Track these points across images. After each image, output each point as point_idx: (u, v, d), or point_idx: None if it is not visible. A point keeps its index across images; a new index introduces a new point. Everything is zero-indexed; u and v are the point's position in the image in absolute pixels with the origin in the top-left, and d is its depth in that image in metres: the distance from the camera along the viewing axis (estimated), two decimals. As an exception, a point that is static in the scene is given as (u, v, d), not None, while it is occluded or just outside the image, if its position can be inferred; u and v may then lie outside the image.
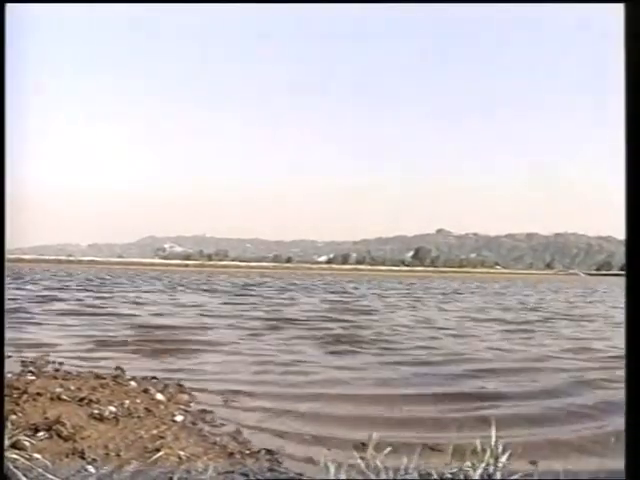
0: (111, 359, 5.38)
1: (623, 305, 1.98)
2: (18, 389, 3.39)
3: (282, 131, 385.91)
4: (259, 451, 2.75)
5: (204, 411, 3.53)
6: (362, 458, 2.05)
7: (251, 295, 17.99)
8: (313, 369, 5.33)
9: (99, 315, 9.85)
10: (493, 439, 2.12)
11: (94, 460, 2.41)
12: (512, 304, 16.75)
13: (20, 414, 2.90)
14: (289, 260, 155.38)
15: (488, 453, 2.05)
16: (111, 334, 7.29)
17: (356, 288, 26.86)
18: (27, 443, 2.39)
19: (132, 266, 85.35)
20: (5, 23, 2.01)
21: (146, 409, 3.33)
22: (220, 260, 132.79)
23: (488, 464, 2.01)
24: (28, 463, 2.18)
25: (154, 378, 4.38)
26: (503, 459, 2.04)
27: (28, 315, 9.25)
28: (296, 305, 13.93)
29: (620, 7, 1.93)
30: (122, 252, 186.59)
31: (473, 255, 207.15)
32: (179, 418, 3.24)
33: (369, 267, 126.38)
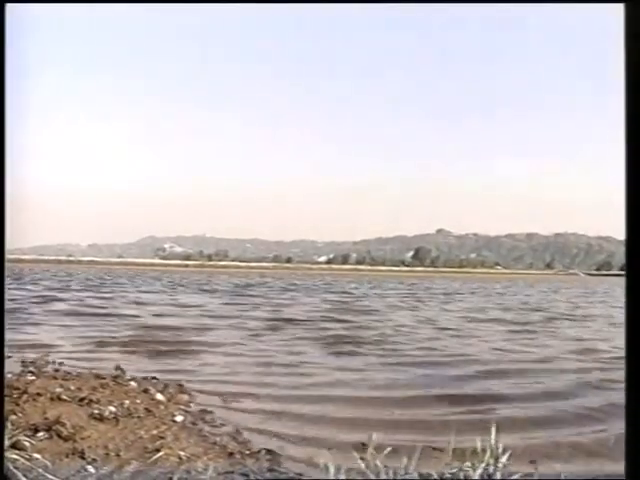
0: (112, 360, 5.36)
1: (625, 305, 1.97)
2: (18, 389, 3.39)
3: (282, 131, 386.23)
4: (259, 451, 2.75)
5: (204, 411, 3.53)
6: (362, 459, 2.05)
7: (252, 295, 17.97)
8: (315, 370, 5.30)
9: (100, 316, 9.84)
10: (493, 439, 2.12)
11: (94, 460, 2.41)
12: (514, 304, 16.73)
13: (20, 414, 2.90)
14: (289, 260, 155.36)
15: (488, 453, 2.05)
16: (112, 335, 7.27)
17: (357, 288, 26.85)
18: (27, 443, 2.39)
19: (132, 266, 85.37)
20: (5, 23, 2.01)
21: (146, 409, 3.32)
22: (220, 260, 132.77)
23: (488, 464, 2.01)
24: (28, 463, 2.18)
25: (154, 378, 4.38)
26: (503, 459, 2.04)
27: (27, 315, 9.25)
28: (297, 305, 13.91)
29: (620, 7, 1.93)
30: (122, 252, 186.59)
31: (473, 255, 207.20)
32: (179, 418, 3.24)
33: (369, 267, 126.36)
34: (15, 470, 2.05)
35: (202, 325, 8.76)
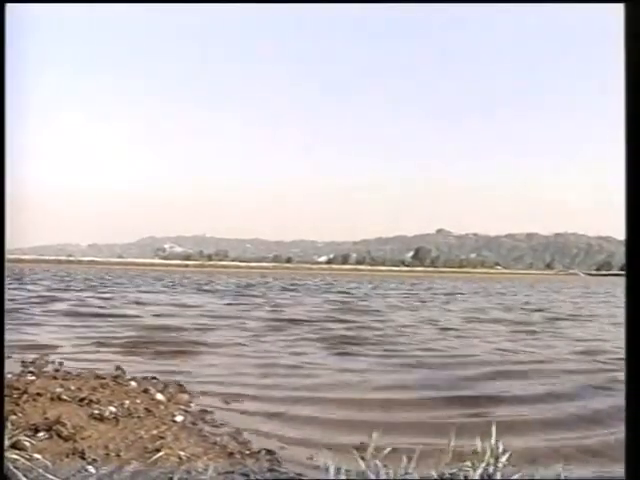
0: (113, 361, 5.34)
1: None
2: (18, 389, 3.39)
3: (282, 131, 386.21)
4: (259, 451, 2.75)
5: (204, 411, 3.53)
6: (362, 458, 2.05)
7: (253, 295, 17.95)
8: (318, 371, 5.27)
9: (101, 316, 9.83)
10: (493, 439, 2.12)
11: (94, 460, 2.41)
12: (516, 304, 16.69)
13: (20, 414, 2.90)
14: (289, 260, 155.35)
15: (488, 453, 2.05)
16: (113, 335, 7.27)
17: (358, 288, 26.83)
18: (27, 443, 2.38)
19: (132, 266, 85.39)
20: (5, 23, 2.01)
21: (146, 409, 3.32)
22: (220, 260, 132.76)
23: (488, 464, 2.01)
24: (28, 463, 2.18)
25: (154, 378, 4.37)
26: (503, 459, 2.04)
27: (27, 316, 9.25)
28: (299, 305, 13.89)
29: (620, 7, 1.93)
30: (122, 252, 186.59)
31: (473, 255, 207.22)
32: (179, 418, 3.24)
33: (369, 267, 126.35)
34: (15, 470, 2.05)
35: (203, 325, 8.74)
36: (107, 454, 2.51)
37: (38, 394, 3.33)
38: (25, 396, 3.26)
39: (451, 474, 2.02)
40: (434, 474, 2.01)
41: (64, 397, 3.35)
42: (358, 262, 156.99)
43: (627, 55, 1.90)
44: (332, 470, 1.95)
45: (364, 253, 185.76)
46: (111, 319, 9.26)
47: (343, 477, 1.94)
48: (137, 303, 13.20)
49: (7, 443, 2.18)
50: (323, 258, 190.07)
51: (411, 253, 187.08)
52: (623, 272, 2.09)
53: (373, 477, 1.94)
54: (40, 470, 2.17)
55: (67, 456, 2.43)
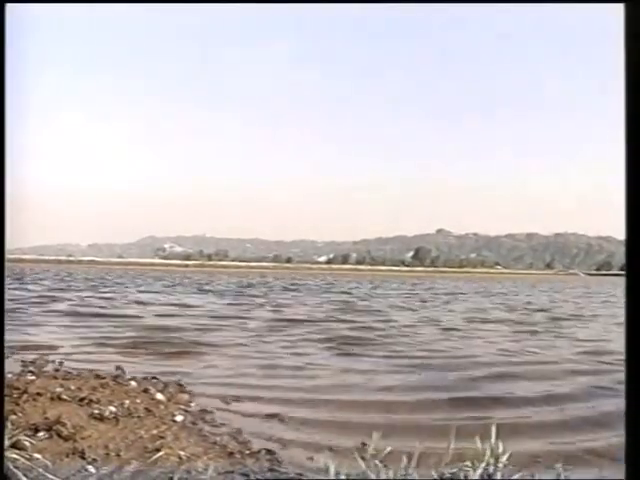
0: (114, 361, 5.31)
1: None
2: (18, 389, 3.39)
3: (282, 131, 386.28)
4: (259, 451, 2.75)
5: (204, 411, 3.53)
6: (363, 458, 2.05)
7: (254, 295, 17.95)
8: (320, 372, 5.23)
9: (101, 316, 9.83)
10: (493, 439, 2.12)
11: (94, 460, 2.42)
12: (518, 304, 16.68)
13: (20, 414, 2.90)
14: (289, 260, 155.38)
15: (488, 453, 2.05)
16: (114, 335, 7.26)
17: (358, 288, 26.82)
18: (27, 443, 2.39)
19: (132, 266, 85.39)
20: (5, 23, 2.01)
21: (146, 409, 3.32)
22: (220, 260, 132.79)
23: (488, 464, 2.01)
24: (28, 463, 2.18)
25: (154, 378, 4.37)
26: (503, 459, 2.04)
27: (28, 316, 9.26)
28: (300, 305, 13.87)
29: (620, 7, 1.93)
30: (122, 252, 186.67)
31: (473, 255, 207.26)
32: (179, 418, 3.24)
33: (369, 267, 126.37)
34: (15, 470, 2.06)
35: (204, 326, 8.73)
36: (107, 454, 2.51)
37: (38, 394, 3.33)
38: (25, 396, 3.26)
39: (451, 474, 2.02)
40: (434, 474, 2.01)
41: (64, 397, 3.35)
42: (358, 262, 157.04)
43: (627, 55, 1.90)
44: (332, 470, 1.95)
45: (364, 253, 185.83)
46: (112, 319, 9.25)
47: (343, 477, 1.94)
48: (138, 303, 13.20)
49: (7, 443, 2.18)
50: (323, 258, 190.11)
51: (411, 253, 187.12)
52: (623, 272, 2.09)
53: (373, 477, 1.94)
54: (40, 470, 2.17)
55: (67, 456, 2.43)
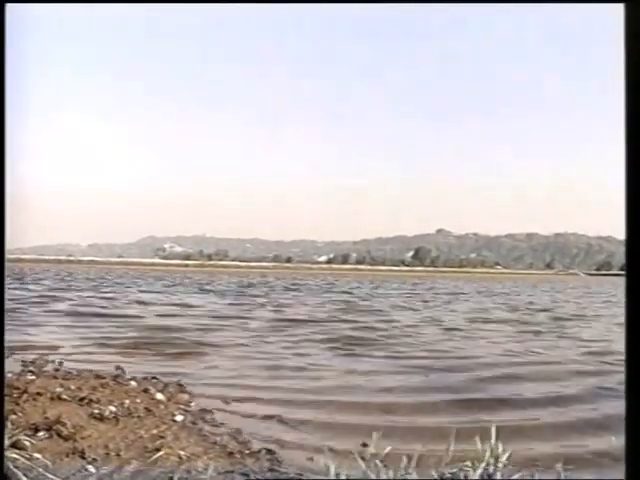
0: (115, 362, 5.29)
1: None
2: (18, 389, 3.39)
3: (282, 131, 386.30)
4: (259, 451, 2.75)
5: (204, 411, 3.53)
6: (363, 458, 2.05)
7: (255, 295, 17.93)
8: (323, 373, 5.19)
9: (102, 316, 9.82)
10: (493, 439, 2.12)
11: (94, 460, 2.41)
12: (520, 304, 16.65)
13: (20, 414, 2.90)
14: (289, 260, 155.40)
15: (488, 453, 2.05)
16: (115, 335, 7.25)
17: (359, 288, 26.81)
18: (27, 443, 2.39)
19: (132, 266, 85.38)
20: (5, 23, 2.01)
21: (146, 409, 3.32)
22: (220, 260, 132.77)
23: (488, 464, 2.01)
24: (28, 463, 2.18)
25: (154, 378, 4.37)
26: (503, 459, 2.04)
27: (28, 316, 9.25)
28: (302, 305, 13.86)
29: (620, 7, 1.93)
30: (122, 252, 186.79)
31: (473, 255, 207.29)
32: (179, 418, 3.24)
33: (369, 267, 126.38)
34: (15, 469, 2.06)
35: (206, 325, 8.71)
36: (107, 453, 2.51)
37: (38, 393, 3.33)
38: (25, 395, 3.26)
39: (451, 474, 2.02)
40: (434, 474, 2.02)
41: (64, 396, 3.35)
42: (358, 262, 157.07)
43: (627, 55, 1.89)
44: (332, 470, 1.95)
45: (364, 253, 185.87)
46: (113, 319, 9.25)
47: (343, 477, 1.94)
48: (139, 303, 13.19)
49: (7, 442, 2.18)
50: (323, 258, 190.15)
51: (411, 253, 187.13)
52: (623, 272, 2.09)
53: (374, 477, 1.94)
54: (40, 469, 2.17)
55: (67, 455, 2.43)
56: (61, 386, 3.64)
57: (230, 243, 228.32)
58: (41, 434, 2.62)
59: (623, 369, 5.28)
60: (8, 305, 9.46)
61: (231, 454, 2.66)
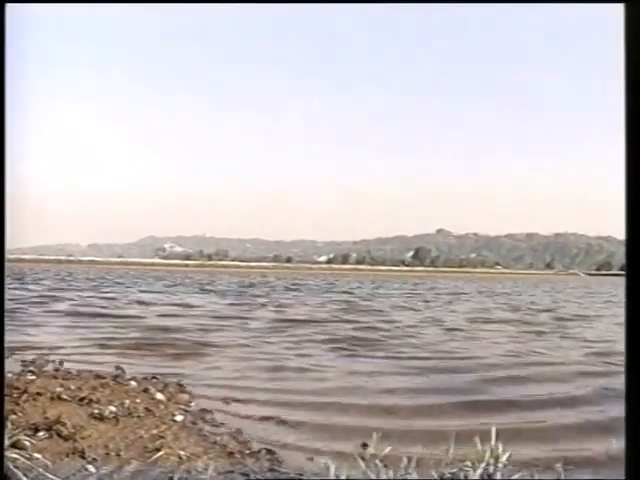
0: (115, 362, 5.27)
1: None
2: (18, 389, 3.39)
3: (282, 131, 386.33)
4: (259, 451, 2.75)
5: (204, 411, 3.53)
6: (363, 458, 2.05)
7: (256, 295, 17.91)
8: (325, 374, 5.15)
9: (103, 316, 9.81)
10: (493, 439, 2.12)
11: (94, 460, 2.41)
12: (522, 305, 16.61)
13: (20, 414, 2.90)
14: (289, 260, 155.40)
15: (488, 453, 2.05)
16: (115, 336, 7.24)
17: (360, 288, 26.79)
18: (27, 443, 2.39)
19: (132, 266, 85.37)
20: (5, 23, 2.01)
21: (146, 409, 3.32)
22: (220, 260, 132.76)
23: (488, 464, 2.01)
24: (28, 463, 2.18)
25: (154, 378, 4.37)
26: (503, 459, 2.04)
27: (28, 316, 9.25)
28: (303, 305, 13.83)
29: (620, 7, 1.93)
30: (122, 252, 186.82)
31: (473, 255, 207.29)
32: (179, 418, 3.24)
33: (369, 267, 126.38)
34: (15, 469, 2.06)
35: (207, 326, 8.69)
36: (107, 453, 2.51)
37: (38, 393, 3.33)
38: (25, 395, 3.26)
39: (451, 474, 2.02)
40: (434, 474, 2.01)
41: (64, 396, 3.35)
42: (358, 262, 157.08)
43: (627, 55, 1.89)
44: (332, 470, 1.95)
45: (364, 253, 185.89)
46: (113, 319, 9.24)
47: (343, 477, 1.94)
48: (139, 303, 13.18)
49: (7, 442, 2.18)
50: (323, 258, 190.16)
51: (411, 253, 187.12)
52: (623, 272, 2.09)
53: (374, 477, 1.94)
54: (40, 469, 2.17)
55: (67, 455, 2.43)
56: (61, 386, 3.64)
57: (230, 243, 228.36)
58: (41, 434, 2.62)
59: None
60: (8, 305, 9.48)
61: (231, 454, 2.66)
